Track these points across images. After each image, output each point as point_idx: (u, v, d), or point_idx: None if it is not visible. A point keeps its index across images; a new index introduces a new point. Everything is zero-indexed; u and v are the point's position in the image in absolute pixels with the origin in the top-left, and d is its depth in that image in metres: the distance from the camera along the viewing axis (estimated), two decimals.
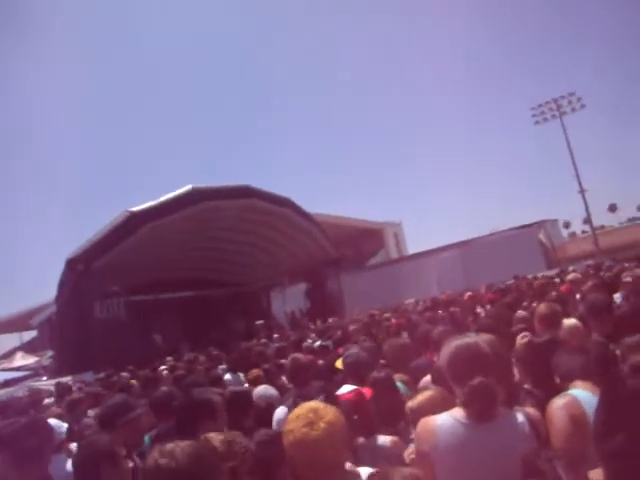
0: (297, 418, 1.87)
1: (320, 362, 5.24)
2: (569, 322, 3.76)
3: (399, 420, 2.80)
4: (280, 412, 3.51)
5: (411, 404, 2.55)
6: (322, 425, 1.81)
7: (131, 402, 3.28)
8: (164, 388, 4.57)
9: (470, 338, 2.14)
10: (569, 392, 2.11)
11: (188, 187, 18.45)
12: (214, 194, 18.94)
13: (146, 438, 3.51)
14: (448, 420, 1.97)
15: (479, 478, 1.81)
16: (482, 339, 2.16)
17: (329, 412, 1.88)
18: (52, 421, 3.95)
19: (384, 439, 2.62)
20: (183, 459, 1.61)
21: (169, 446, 1.68)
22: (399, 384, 3.33)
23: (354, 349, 4.28)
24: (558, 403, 2.07)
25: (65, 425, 3.95)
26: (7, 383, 18.80)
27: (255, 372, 5.07)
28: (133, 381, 7.89)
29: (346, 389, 2.90)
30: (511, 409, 2.03)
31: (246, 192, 19.64)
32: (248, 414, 3.36)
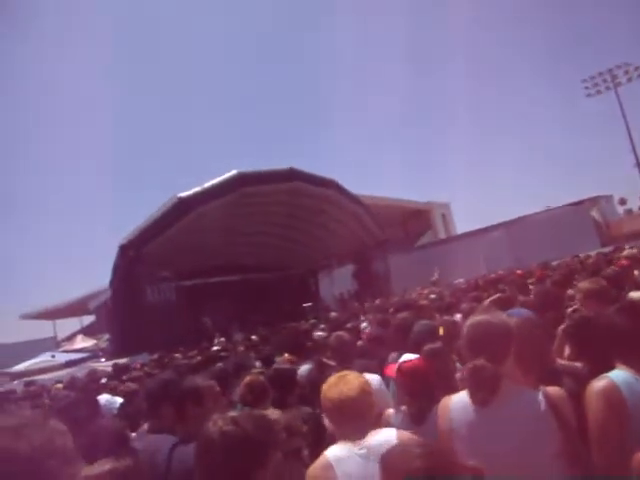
0: (331, 382, 2.21)
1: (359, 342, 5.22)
2: (636, 295, 3.57)
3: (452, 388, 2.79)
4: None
5: (460, 375, 2.53)
6: (356, 382, 2.16)
7: (177, 378, 3.32)
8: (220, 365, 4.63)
9: (483, 315, 2.02)
10: (609, 374, 1.98)
11: (233, 172, 18.64)
12: (259, 178, 19.08)
13: None
14: (463, 399, 1.93)
15: (488, 457, 1.75)
16: (499, 316, 2.05)
17: (360, 377, 2.23)
18: (105, 396, 4.12)
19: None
20: (247, 425, 1.66)
21: (232, 414, 1.71)
22: None
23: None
24: (595, 387, 1.96)
25: (118, 400, 4.09)
26: (68, 364, 19.73)
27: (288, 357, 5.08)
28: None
29: (408, 357, 2.91)
30: (529, 388, 1.91)
31: (290, 175, 19.67)
32: (292, 392, 3.37)
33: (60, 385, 9.44)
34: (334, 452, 2.00)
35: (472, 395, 1.87)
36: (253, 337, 11.29)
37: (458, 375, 2.63)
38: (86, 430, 2.41)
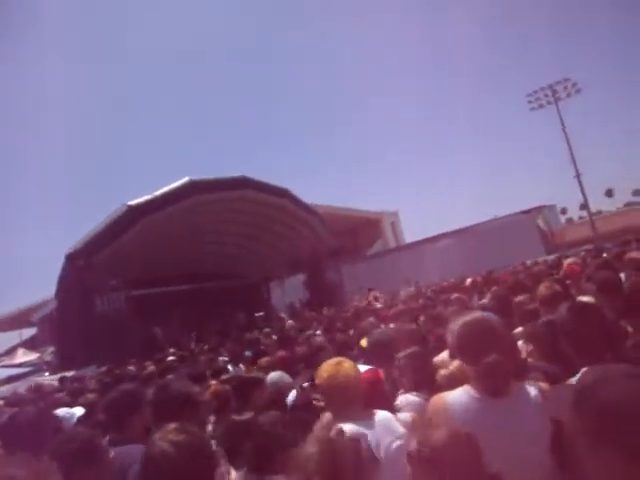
0: (328, 364, 2.49)
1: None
2: (584, 299, 3.75)
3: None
4: (293, 394, 3.52)
5: (443, 372, 2.57)
6: (346, 365, 2.44)
7: (141, 390, 3.26)
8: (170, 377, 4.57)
9: (479, 314, 2.14)
10: (576, 378, 2.08)
11: (185, 179, 18.38)
12: (211, 186, 18.87)
13: None
14: (462, 396, 1.98)
15: (494, 453, 1.81)
16: (490, 316, 2.17)
17: (349, 362, 2.50)
18: (63, 409, 3.97)
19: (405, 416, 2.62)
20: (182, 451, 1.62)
21: (173, 426, 1.68)
22: None
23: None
24: (554, 388, 2.07)
25: (76, 412, 3.96)
26: (10, 379, 18.83)
27: (266, 359, 5.07)
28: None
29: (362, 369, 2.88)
30: (524, 383, 2.04)
31: (243, 183, 19.56)
32: (251, 401, 3.36)
33: (1, 402, 9.01)
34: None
35: (490, 388, 1.92)
36: (206, 347, 11.17)
37: (441, 372, 2.64)
38: (56, 441, 2.34)
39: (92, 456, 2.27)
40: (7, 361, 26.81)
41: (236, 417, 2.96)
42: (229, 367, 6.64)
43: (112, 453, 2.82)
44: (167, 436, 1.63)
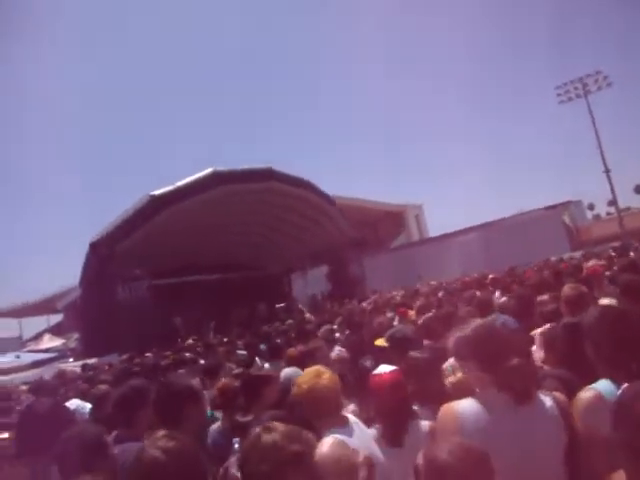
0: (307, 374, 2.53)
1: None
2: (606, 302, 3.59)
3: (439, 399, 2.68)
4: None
5: (452, 379, 2.45)
6: (326, 376, 2.47)
7: (147, 384, 3.21)
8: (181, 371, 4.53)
9: (494, 319, 2.05)
10: (596, 386, 1.96)
11: (209, 170, 18.42)
12: (235, 177, 18.88)
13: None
14: (474, 406, 1.88)
15: (506, 465, 1.71)
16: (505, 320, 2.07)
17: (328, 372, 2.53)
18: (75, 401, 3.96)
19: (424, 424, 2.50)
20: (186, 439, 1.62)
21: (162, 433, 1.64)
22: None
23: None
24: (582, 399, 1.94)
25: (88, 405, 3.94)
26: (35, 364, 19.19)
27: (293, 351, 4.94)
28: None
29: (384, 368, 2.73)
30: (540, 392, 1.94)
31: (266, 175, 19.54)
32: (261, 400, 3.28)
33: (25, 387, 9.14)
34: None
35: (516, 394, 1.83)
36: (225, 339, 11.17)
37: (449, 379, 2.53)
38: (62, 438, 2.30)
39: (96, 453, 2.22)
40: (33, 346, 27.41)
41: (239, 418, 2.89)
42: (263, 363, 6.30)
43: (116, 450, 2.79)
44: (157, 443, 1.58)
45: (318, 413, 2.39)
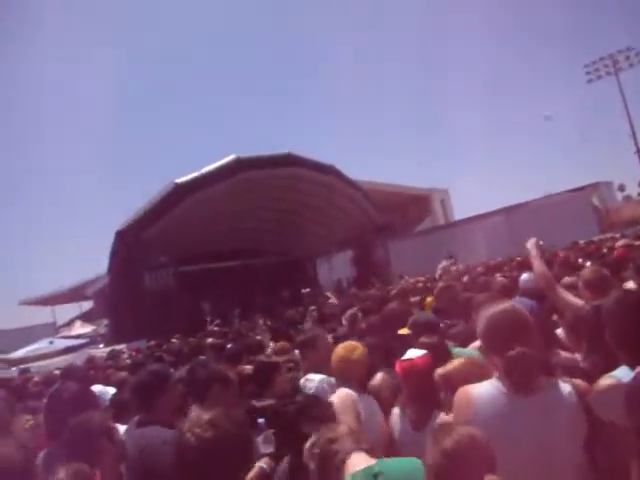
0: (343, 347, 3.11)
1: None
2: (629, 285, 3.49)
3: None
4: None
5: (441, 371, 2.39)
6: (359, 350, 3.06)
7: (168, 369, 3.24)
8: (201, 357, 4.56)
9: (508, 304, 1.98)
10: (615, 373, 1.91)
11: (231, 157, 18.49)
12: (257, 163, 18.93)
13: None
14: (488, 390, 1.84)
15: (519, 451, 1.68)
16: (521, 305, 2.00)
17: (361, 346, 3.12)
18: (97, 387, 4.03)
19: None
20: (227, 426, 1.60)
21: (205, 416, 1.62)
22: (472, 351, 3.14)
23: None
24: (601, 387, 1.88)
25: (110, 391, 4.00)
26: (67, 350, 19.68)
27: (281, 343, 5.02)
28: None
29: (412, 353, 2.72)
30: (557, 380, 1.88)
31: (289, 160, 19.53)
32: (271, 386, 3.27)
33: (57, 372, 9.36)
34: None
35: (514, 383, 1.79)
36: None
37: (438, 371, 2.47)
38: (68, 425, 2.32)
39: (101, 439, 2.24)
40: (66, 332, 28.09)
41: (255, 402, 2.90)
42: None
43: (134, 434, 2.82)
44: (195, 430, 1.57)
45: (343, 378, 2.99)
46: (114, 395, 3.96)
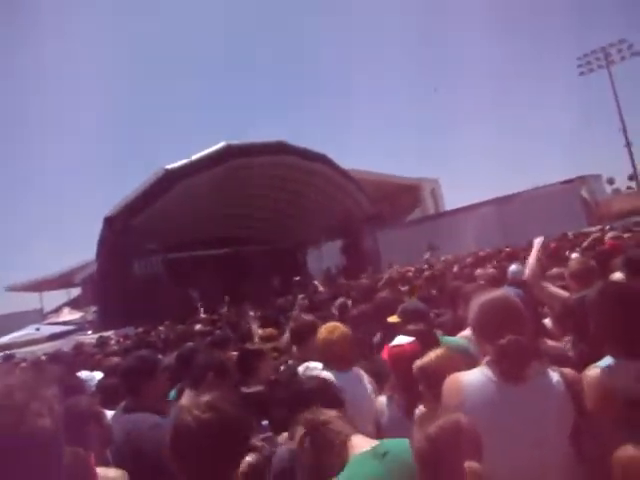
0: (325, 328, 3.13)
1: None
2: (617, 277, 3.51)
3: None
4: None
5: (419, 363, 2.39)
6: (340, 330, 3.08)
7: (155, 355, 3.23)
8: (189, 344, 4.55)
9: (499, 292, 1.99)
10: (601, 363, 1.90)
11: (222, 144, 18.37)
12: (248, 150, 18.84)
13: (172, 393, 3.48)
14: (478, 377, 1.84)
15: (508, 439, 1.69)
16: (512, 293, 2.01)
17: (341, 327, 3.13)
18: (84, 372, 4.02)
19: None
20: (226, 408, 1.59)
21: (204, 399, 1.61)
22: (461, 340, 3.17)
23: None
24: (589, 377, 1.88)
25: (97, 376, 3.98)
26: (54, 337, 19.60)
27: (269, 330, 5.02)
28: None
29: (400, 340, 2.73)
30: (546, 368, 1.88)
31: (280, 148, 19.45)
32: (257, 375, 3.27)
33: (44, 357, 9.32)
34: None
35: (505, 371, 1.79)
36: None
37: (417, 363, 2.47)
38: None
39: (89, 424, 2.22)
40: (53, 319, 27.96)
41: (244, 389, 2.89)
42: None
43: (121, 419, 2.80)
44: (194, 411, 1.55)
45: (326, 359, 3.03)
46: (101, 380, 3.94)
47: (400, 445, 1.67)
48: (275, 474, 2.04)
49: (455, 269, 9.93)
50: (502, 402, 1.75)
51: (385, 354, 2.74)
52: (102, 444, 2.26)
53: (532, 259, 3.30)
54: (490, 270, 6.69)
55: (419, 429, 1.46)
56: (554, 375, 1.83)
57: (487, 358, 1.88)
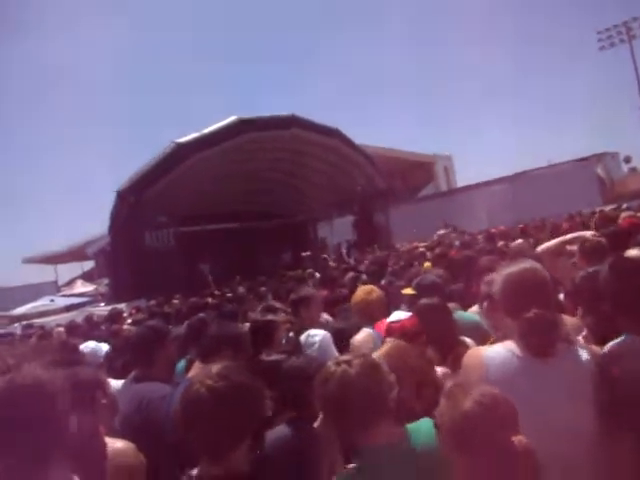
0: (361, 290, 3.62)
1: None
2: (633, 253, 3.43)
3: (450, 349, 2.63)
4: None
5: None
6: (375, 292, 3.53)
7: (165, 326, 3.23)
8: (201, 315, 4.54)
9: (526, 264, 1.90)
10: (617, 341, 1.85)
11: (233, 118, 18.23)
12: (260, 124, 18.65)
13: (180, 364, 3.48)
14: (501, 352, 1.77)
15: (532, 415, 1.62)
16: (537, 265, 1.93)
17: (378, 290, 3.58)
18: (91, 344, 4.04)
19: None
20: (240, 378, 1.59)
21: (216, 369, 1.59)
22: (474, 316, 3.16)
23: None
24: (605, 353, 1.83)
25: (104, 347, 4.00)
26: (68, 308, 19.90)
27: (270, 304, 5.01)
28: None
29: (398, 315, 2.74)
30: (575, 345, 1.82)
31: (293, 122, 19.22)
32: (270, 344, 3.26)
33: (61, 329, 9.41)
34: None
35: (533, 346, 1.72)
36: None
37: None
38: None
39: (91, 392, 2.22)
40: (67, 291, 28.33)
41: (265, 358, 2.89)
42: None
43: (132, 389, 2.82)
44: (206, 381, 1.54)
45: (364, 320, 3.37)
46: (108, 351, 3.97)
47: (423, 427, 1.66)
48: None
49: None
50: (527, 378, 1.69)
51: (385, 329, 2.73)
52: (109, 414, 2.26)
53: (555, 242, 3.28)
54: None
55: (452, 402, 1.38)
56: (583, 352, 1.76)
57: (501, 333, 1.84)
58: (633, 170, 31.50)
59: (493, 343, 2.05)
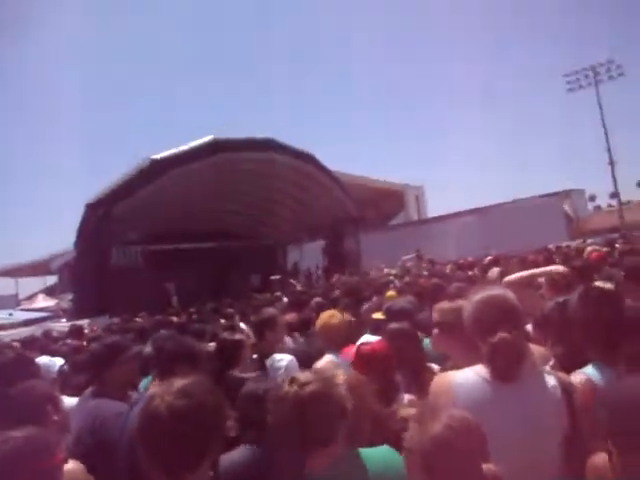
0: (324, 315, 3.62)
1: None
2: (601, 285, 3.48)
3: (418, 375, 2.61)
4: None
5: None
6: (337, 317, 3.54)
7: (126, 342, 3.14)
8: (164, 332, 4.45)
9: (496, 290, 1.92)
10: (585, 370, 1.89)
11: (209, 137, 18.22)
12: (235, 145, 18.67)
13: (145, 380, 3.39)
14: (469, 376, 1.78)
15: (500, 439, 1.60)
16: (507, 291, 1.95)
17: (340, 314, 3.60)
18: (44, 359, 3.90)
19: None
20: (203, 396, 1.51)
21: (178, 385, 1.52)
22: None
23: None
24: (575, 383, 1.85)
25: (58, 362, 3.88)
26: (27, 322, 19.26)
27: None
28: None
29: (367, 339, 2.76)
30: (541, 370, 1.84)
31: (268, 145, 19.30)
32: (237, 363, 3.21)
33: (16, 344, 9.10)
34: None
35: (497, 370, 1.72)
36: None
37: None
38: (7, 393, 2.20)
39: (44, 408, 2.13)
40: (27, 305, 27.53)
41: (233, 374, 2.84)
42: None
43: (87, 405, 2.72)
44: (165, 397, 1.46)
45: (326, 344, 3.43)
46: (62, 366, 3.84)
47: (376, 455, 1.63)
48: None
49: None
50: (494, 402, 1.69)
51: (355, 352, 2.71)
52: (60, 431, 2.16)
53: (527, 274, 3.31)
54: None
55: (421, 426, 1.33)
56: (550, 378, 1.77)
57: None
58: (598, 208, 32.53)
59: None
